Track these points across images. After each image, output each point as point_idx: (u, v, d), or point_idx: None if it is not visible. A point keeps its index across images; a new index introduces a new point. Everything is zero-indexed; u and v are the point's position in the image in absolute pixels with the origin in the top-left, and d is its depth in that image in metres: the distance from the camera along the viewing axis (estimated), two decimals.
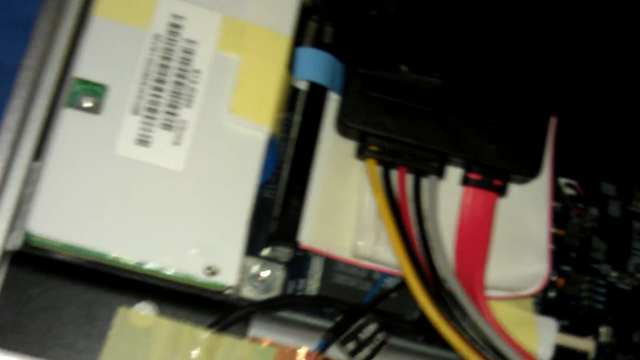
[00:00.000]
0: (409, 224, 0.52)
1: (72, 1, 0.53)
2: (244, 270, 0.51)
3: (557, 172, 0.57)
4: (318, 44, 0.56)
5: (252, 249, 0.52)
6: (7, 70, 0.58)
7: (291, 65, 0.54)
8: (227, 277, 0.49)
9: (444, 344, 0.50)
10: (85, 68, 0.51)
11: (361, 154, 0.53)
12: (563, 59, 0.56)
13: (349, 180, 0.54)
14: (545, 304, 0.56)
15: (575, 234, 0.57)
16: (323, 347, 0.50)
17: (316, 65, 0.54)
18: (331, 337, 0.50)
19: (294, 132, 0.54)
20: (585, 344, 0.55)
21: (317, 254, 0.53)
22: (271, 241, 0.52)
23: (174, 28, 0.52)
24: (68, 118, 0.50)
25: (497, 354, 0.50)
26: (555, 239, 0.57)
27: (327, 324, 0.51)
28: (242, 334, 0.50)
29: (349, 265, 0.53)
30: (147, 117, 0.51)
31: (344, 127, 0.53)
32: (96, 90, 0.50)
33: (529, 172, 0.54)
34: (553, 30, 0.55)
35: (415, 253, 0.51)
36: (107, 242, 0.48)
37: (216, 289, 0.50)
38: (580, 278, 0.57)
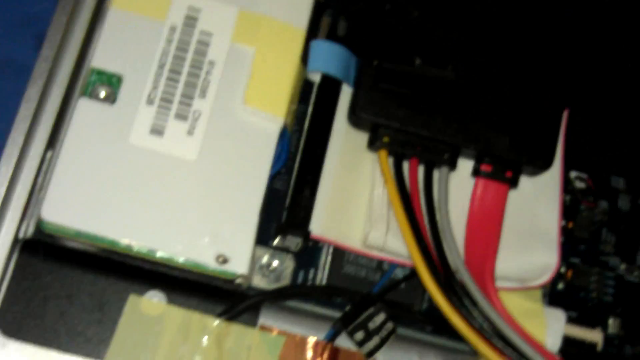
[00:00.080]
0: (420, 215, 0.52)
1: None
2: (254, 259, 0.52)
3: (568, 165, 0.57)
4: (332, 37, 0.56)
5: (263, 238, 0.52)
6: (18, 66, 0.58)
7: (305, 58, 0.54)
8: (238, 265, 0.49)
9: (451, 334, 0.50)
10: (102, 58, 0.51)
11: (373, 145, 0.53)
12: (576, 52, 0.56)
13: (361, 171, 0.54)
14: (554, 295, 0.56)
15: (585, 227, 0.57)
16: (332, 337, 0.51)
17: (330, 57, 0.55)
18: (340, 327, 0.51)
19: (307, 123, 0.54)
20: (593, 335, 0.55)
21: (327, 243, 0.53)
22: (282, 230, 0.52)
23: (190, 20, 0.53)
24: (83, 107, 0.50)
25: (506, 343, 0.50)
26: (565, 232, 0.57)
27: (336, 314, 0.52)
28: (251, 322, 0.50)
29: (358, 255, 0.54)
30: (162, 107, 0.51)
31: (356, 119, 0.53)
32: (112, 81, 0.51)
33: (542, 164, 0.54)
34: (565, 24, 0.55)
35: (426, 243, 0.51)
36: (120, 229, 0.49)
37: (227, 278, 0.50)
38: (589, 270, 0.57)
